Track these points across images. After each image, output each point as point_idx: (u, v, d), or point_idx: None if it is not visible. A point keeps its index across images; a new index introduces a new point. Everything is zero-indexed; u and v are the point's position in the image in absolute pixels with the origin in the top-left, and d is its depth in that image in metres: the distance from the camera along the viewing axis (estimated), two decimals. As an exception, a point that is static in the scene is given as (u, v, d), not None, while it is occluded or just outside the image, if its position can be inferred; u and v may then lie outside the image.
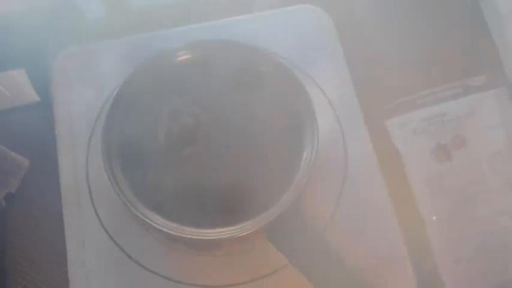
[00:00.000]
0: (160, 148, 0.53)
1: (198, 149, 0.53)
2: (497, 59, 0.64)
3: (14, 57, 0.58)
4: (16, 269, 0.49)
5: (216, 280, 0.47)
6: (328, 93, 0.56)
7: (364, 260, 0.48)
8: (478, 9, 0.63)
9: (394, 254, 0.53)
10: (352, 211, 0.54)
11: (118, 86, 0.49)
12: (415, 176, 0.55)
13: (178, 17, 0.59)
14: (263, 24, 0.60)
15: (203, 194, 0.48)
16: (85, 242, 0.51)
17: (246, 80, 0.54)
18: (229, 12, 0.60)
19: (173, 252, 0.49)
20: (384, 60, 0.63)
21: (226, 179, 0.49)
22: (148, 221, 0.44)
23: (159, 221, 0.45)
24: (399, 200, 0.53)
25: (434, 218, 0.55)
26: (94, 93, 0.55)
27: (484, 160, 0.59)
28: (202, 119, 0.51)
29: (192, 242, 0.46)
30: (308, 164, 0.47)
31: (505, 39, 0.64)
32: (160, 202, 0.48)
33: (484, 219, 0.55)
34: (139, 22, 0.62)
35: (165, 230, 0.45)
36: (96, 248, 0.49)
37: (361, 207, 0.54)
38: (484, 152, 0.59)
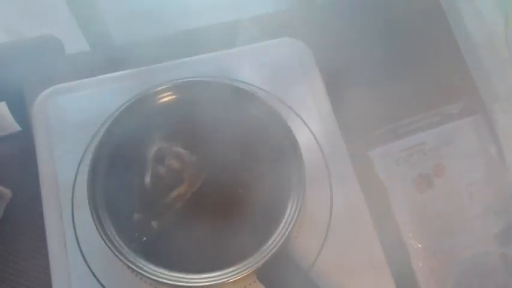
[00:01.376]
0: (147, 192, 0.52)
1: (185, 190, 0.53)
2: (473, 86, 0.66)
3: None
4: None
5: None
6: (312, 127, 0.57)
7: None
8: (453, 39, 0.65)
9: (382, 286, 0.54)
10: (339, 246, 0.54)
11: (100, 135, 0.48)
12: (399, 206, 0.56)
13: (160, 53, 0.59)
14: (245, 58, 0.61)
15: (192, 237, 0.48)
16: (71, 282, 0.50)
17: (231, 118, 0.54)
18: (212, 47, 0.60)
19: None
20: (365, 90, 0.64)
21: (215, 220, 0.49)
22: (136, 269, 0.44)
23: (147, 269, 0.45)
24: (384, 229, 0.54)
25: (419, 245, 0.56)
26: (76, 135, 0.54)
27: (463, 188, 0.61)
28: (188, 160, 0.50)
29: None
30: (296, 205, 0.48)
31: (480, 67, 0.66)
32: (148, 247, 0.48)
33: (465, 246, 0.56)
34: (122, 58, 0.62)
35: (154, 277, 0.44)
36: None
37: (347, 242, 0.55)
38: (463, 180, 0.61)
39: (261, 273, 0.47)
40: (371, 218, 0.53)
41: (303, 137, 0.55)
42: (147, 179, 0.52)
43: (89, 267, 0.49)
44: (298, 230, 0.54)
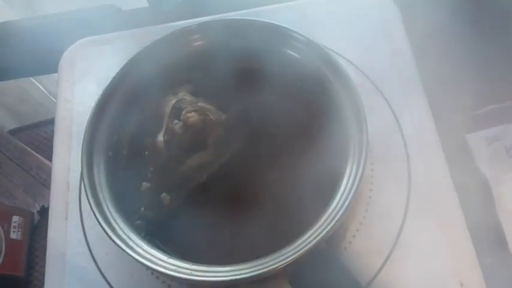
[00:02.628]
0: (159, 154, 0.40)
1: (208, 159, 0.40)
2: None
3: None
4: (42, 282, 0.43)
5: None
6: (390, 98, 0.42)
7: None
8: None
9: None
10: (413, 258, 0.38)
11: (113, 77, 0.40)
12: (505, 205, 0.39)
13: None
14: (318, 12, 0.50)
15: (212, 223, 0.39)
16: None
17: (276, 70, 0.41)
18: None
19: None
20: (462, 60, 0.48)
21: (244, 202, 0.40)
22: (132, 254, 0.34)
23: (148, 255, 0.35)
24: (484, 235, 0.41)
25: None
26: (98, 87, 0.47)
27: None
28: (214, 119, 0.41)
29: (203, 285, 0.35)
30: (349, 189, 0.34)
31: None
32: (155, 227, 0.39)
33: None
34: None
35: (157, 267, 0.34)
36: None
37: (426, 252, 0.38)
38: None
39: (293, 275, 0.34)
40: (465, 221, 0.35)
41: (376, 109, 0.43)
42: (160, 138, 0.40)
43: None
44: (356, 226, 0.39)
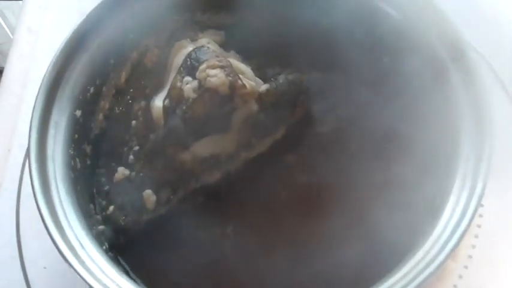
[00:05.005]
0: (152, 130, 0.27)
1: (226, 146, 0.26)
2: None
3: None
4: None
5: None
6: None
7: None
8: None
9: None
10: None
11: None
12: None
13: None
14: None
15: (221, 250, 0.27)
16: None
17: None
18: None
19: None
20: None
21: (276, 229, 0.27)
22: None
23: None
24: None
25: None
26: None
27: None
28: (247, 88, 0.26)
29: None
30: (469, 196, 0.24)
31: None
32: (139, 256, 0.28)
33: None
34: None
35: None
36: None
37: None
38: None
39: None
40: None
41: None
42: (158, 102, 0.25)
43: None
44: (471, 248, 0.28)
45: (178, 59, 0.27)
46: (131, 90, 0.30)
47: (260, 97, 0.27)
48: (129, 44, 0.29)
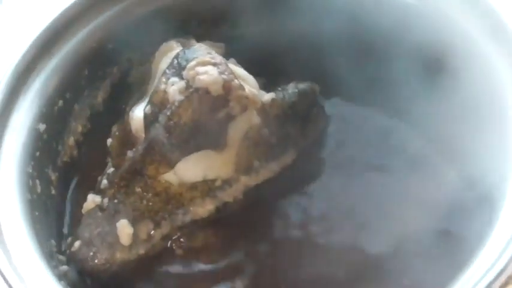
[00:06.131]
0: (129, 147, 0.22)
1: (221, 167, 0.21)
2: None
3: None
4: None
5: None
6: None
7: None
8: None
9: None
10: None
11: None
12: None
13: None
14: None
15: None
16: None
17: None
18: None
19: None
20: None
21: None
22: None
23: None
24: None
25: None
26: None
27: None
28: (248, 96, 0.22)
29: None
30: None
31: None
32: None
33: None
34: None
35: None
36: None
37: None
38: None
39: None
40: None
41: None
42: (138, 112, 0.21)
43: None
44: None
45: (164, 63, 0.23)
46: (110, 113, 0.25)
47: (264, 108, 0.21)
48: (108, 55, 0.24)
